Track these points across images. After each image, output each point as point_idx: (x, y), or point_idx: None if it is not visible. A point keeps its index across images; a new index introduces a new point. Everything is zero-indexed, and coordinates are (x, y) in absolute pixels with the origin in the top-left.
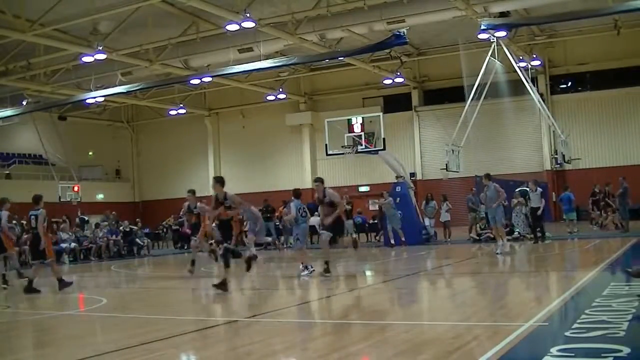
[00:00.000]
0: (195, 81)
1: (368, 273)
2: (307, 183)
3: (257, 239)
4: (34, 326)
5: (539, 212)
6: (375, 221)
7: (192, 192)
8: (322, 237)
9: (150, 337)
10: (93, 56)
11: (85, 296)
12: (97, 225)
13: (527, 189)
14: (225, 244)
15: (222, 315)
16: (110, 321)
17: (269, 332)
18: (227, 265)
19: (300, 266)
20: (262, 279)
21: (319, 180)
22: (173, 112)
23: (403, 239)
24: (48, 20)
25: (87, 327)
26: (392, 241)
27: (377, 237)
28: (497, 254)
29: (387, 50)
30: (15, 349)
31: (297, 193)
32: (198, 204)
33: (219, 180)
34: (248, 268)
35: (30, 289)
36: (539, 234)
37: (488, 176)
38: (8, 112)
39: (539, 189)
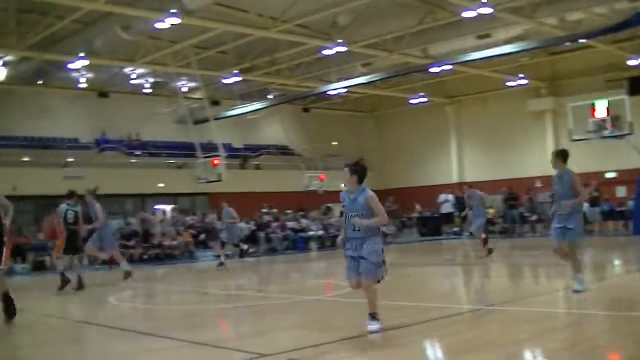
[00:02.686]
0: (435, 69)
1: (616, 263)
2: (551, 170)
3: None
4: (284, 309)
5: None
6: (624, 208)
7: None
8: None
9: (394, 324)
10: (333, 49)
11: (332, 282)
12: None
13: None
14: None
15: (465, 303)
16: (355, 307)
17: (511, 321)
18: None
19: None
20: (504, 267)
21: None
22: (414, 101)
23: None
24: (289, 16)
25: (333, 312)
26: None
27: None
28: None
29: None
30: (271, 329)
31: None
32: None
33: None
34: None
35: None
36: None
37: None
38: (255, 105)
39: None
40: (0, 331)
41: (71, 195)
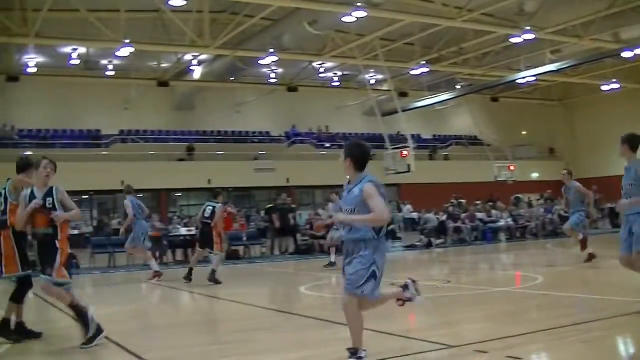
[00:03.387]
0: (628, 54)
1: None
2: None
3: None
4: (473, 301)
5: None
6: None
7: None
8: None
9: (584, 318)
10: (521, 37)
11: (521, 274)
12: (530, 205)
13: None
14: None
15: None
16: (544, 299)
17: None
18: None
19: None
20: None
21: None
22: (606, 88)
23: None
24: (475, 5)
25: (522, 304)
26: None
27: None
28: None
29: None
30: (459, 321)
31: None
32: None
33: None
34: None
35: (212, 279)
36: None
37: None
38: (444, 96)
39: None
40: (211, 318)
41: (217, 193)
